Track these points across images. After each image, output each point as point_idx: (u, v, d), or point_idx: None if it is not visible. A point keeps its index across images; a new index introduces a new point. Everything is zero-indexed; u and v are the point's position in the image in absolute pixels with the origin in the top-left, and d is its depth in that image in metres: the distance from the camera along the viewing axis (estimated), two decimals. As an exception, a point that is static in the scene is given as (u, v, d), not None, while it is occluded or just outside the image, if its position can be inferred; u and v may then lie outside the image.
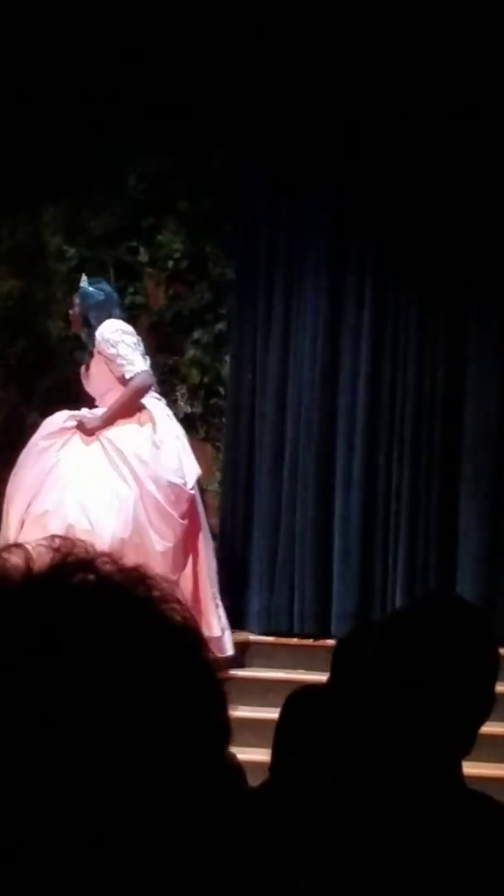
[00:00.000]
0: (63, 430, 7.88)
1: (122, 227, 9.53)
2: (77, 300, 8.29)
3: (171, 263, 9.32)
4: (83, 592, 0.93)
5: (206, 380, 9.26)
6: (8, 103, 9.09)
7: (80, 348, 9.49)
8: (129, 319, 9.41)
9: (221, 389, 9.28)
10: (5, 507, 7.76)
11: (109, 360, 7.98)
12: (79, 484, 7.54)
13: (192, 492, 7.81)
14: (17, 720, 0.88)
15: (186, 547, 7.74)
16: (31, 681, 0.89)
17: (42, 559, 0.94)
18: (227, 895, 0.90)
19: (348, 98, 8.58)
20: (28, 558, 0.94)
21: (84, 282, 8.35)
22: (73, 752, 0.89)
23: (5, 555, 0.95)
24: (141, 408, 7.94)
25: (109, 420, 7.84)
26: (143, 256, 9.44)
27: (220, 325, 9.29)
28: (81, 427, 7.84)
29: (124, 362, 7.96)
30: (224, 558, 8.73)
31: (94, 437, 7.80)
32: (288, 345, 8.91)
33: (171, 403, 9.10)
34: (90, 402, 8.22)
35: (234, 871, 0.90)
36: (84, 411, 8.07)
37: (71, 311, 8.38)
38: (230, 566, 8.77)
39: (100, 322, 8.11)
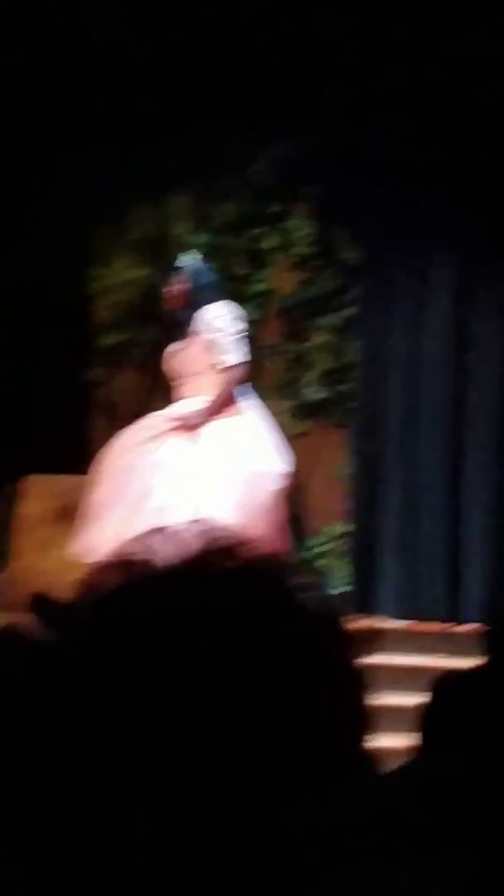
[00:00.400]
0: (163, 432, 7.72)
1: (249, 214, 9.53)
2: (186, 276, 8.04)
3: (298, 249, 9.29)
4: (231, 578, 0.93)
5: (335, 365, 9.22)
6: (134, 91, 9.12)
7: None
8: (257, 307, 9.44)
9: (350, 375, 9.23)
10: (98, 512, 7.57)
11: (211, 345, 7.82)
12: (196, 479, 7.48)
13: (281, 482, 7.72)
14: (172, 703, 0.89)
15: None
16: (180, 664, 0.90)
17: (186, 548, 0.94)
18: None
19: (482, 83, 8.48)
20: (174, 547, 0.94)
21: (194, 259, 8.15)
22: (213, 735, 0.90)
23: (151, 543, 0.95)
24: (235, 399, 7.87)
25: (212, 412, 7.72)
26: (270, 243, 9.42)
27: (349, 311, 9.24)
28: (185, 426, 7.70)
29: (227, 350, 7.82)
30: (356, 544, 8.70)
31: (196, 431, 7.69)
32: (418, 329, 8.85)
33: (300, 390, 9.08)
34: (161, 385, 8.07)
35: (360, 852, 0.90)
36: (178, 410, 7.84)
37: (173, 287, 8.02)
38: (362, 552, 8.75)
39: (207, 303, 7.93)
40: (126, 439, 7.73)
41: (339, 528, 8.84)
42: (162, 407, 8.52)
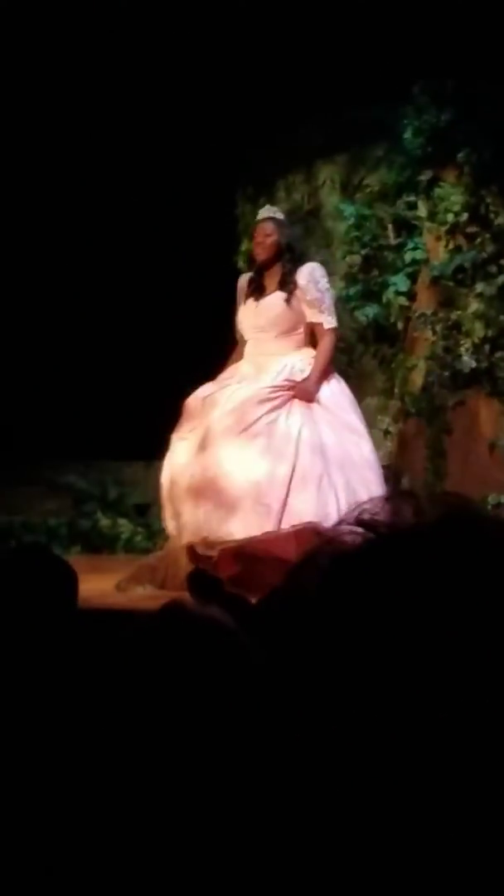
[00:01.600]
0: (285, 401, 7.25)
1: (400, 183, 9.40)
2: (278, 227, 7.50)
3: (450, 217, 9.13)
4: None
5: (490, 333, 9.05)
6: (281, 62, 9.06)
7: (359, 308, 9.44)
8: (409, 276, 9.31)
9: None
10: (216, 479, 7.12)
11: (311, 303, 7.37)
12: (342, 459, 7.24)
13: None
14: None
15: None
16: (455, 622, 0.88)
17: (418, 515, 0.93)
18: None
19: None
20: (416, 510, 0.93)
21: (276, 211, 7.73)
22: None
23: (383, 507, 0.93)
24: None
25: (321, 379, 7.33)
26: (422, 211, 9.28)
27: (503, 278, 9.06)
28: (301, 395, 7.24)
29: (327, 311, 7.44)
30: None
31: (312, 402, 7.28)
32: None
33: (456, 359, 8.94)
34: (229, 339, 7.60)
35: None
36: (285, 371, 7.33)
37: (265, 237, 7.46)
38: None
39: (298, 259, 7.52)
40: (243, 405, 7.18)
41: (498, 497, 8.68)
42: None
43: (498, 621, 0.88)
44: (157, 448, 7.65)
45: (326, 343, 7.40)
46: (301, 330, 7.44)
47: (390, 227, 9.38)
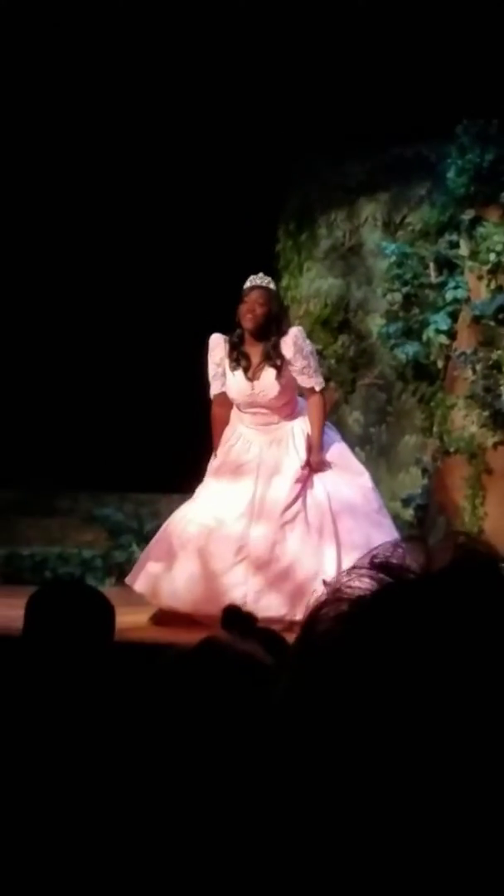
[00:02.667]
0: (304, 476, 7.41)
1: (443, 221, 9.41)
2: (266, 297, 7.45)
3: (492, 256, 9.12)
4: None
5: (531, 373, 9.03)
6: (323, 99, 9.09)
7: (399, 345, 9.43)
8: (449, 315, 9.30)
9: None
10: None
11: (301, 371, 7.41)
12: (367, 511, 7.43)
13: None
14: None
15: None
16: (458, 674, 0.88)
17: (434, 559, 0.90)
18: None
19: None
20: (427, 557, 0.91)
21: (268, 281, 7.62)
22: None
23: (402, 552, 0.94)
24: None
25: (319, 444, 7.47)
26: (464, 250, 9.28)
27: (544, 318, 9.04)
28: (317, 468, 7.41)
29: (315, 373, 7.49)
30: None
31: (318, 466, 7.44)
32: None
33: (496, 398, 8.91)
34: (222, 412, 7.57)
35: None
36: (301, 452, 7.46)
37: (257, 307, 7.40)
38: None
39: (283, 326, 7.53)
40: (293, 490, 7.36)
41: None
42: (355, 419, 8.36)
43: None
44: (192, 481, 7.66)
45: (319, 405, 7.49)
46: (293, 396, 7.54)
47: (432, 265, 9.38)
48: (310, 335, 9.75)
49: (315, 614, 0.93)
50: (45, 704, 2.53)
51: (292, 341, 7.41)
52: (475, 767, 0.86)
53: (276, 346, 7.38)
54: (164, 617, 7.52)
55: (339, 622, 0.91)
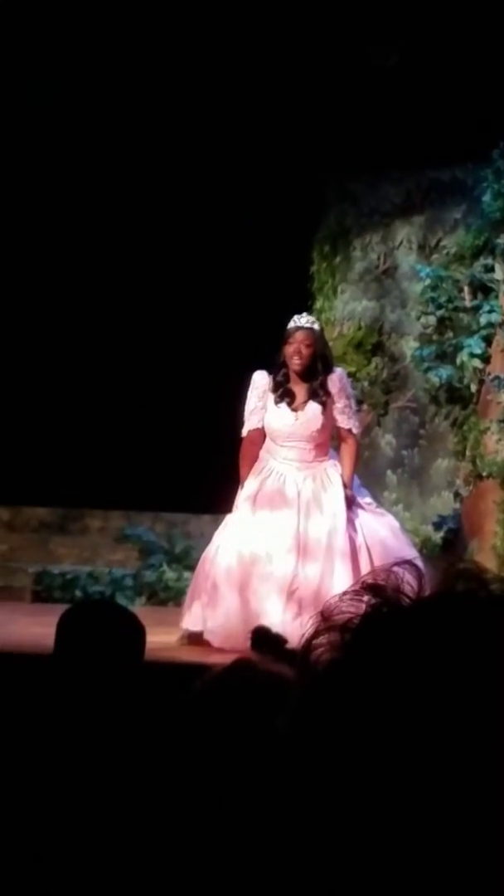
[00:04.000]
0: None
1: (478, 245, 9.40)
2: (315, 338, 7.51)
3: (527, 280, 9.11)
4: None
5: None
6: (361, 123, 9.11)
7: (433, 369, 9.42)
8: (483, 339, 9.29)
9: None
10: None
11: (342, 410, 7.50)
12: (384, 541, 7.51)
13: None
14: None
15: None
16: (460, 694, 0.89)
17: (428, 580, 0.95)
18: None
19: None
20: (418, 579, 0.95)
21: (312, 321, 7.63)
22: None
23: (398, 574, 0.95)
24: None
25: (352, 483, 7.57)
26: (499, 274, 9.27)
27: None
28: (349, 504, 7.50)
29: (354, 416, 7.64)
30: None
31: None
32: None
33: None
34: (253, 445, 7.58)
35: None
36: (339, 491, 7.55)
37: (304, 348, 7.43)
38: None
39: (328, 366, 7.57)
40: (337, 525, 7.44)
41: None
42: (388, 441, 8.33)
43: (490, 699, 0.89)
44: (224, 502, 7.66)
45: (354, 446, 7.60)
46: (329, 435, 7.61)
47: (466, 289, 9.37)
48: (343, 357, 9.79)
49: (309, 643, 0.94)
50: (75, 723, 2.54)
51: (338, 379, 7.54)
52: (465, 777, 0.87)
53: (324, 384, 7.47)
54: (194, 637, 7.52)
55: (331, 649, 0.92)
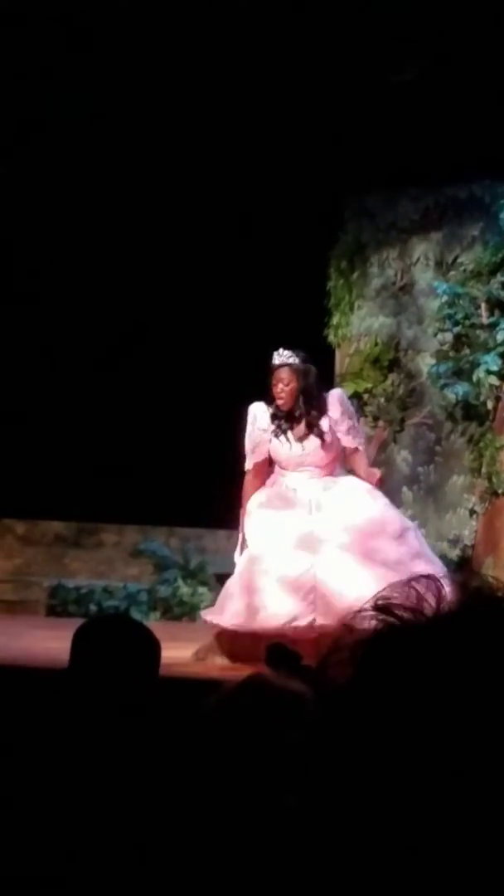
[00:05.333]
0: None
1: (495, 262, 9.39)
2: (292, 375, 7.38)
3: (544, 297, 9.11)
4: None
5: None
6: (377, 139, 9.12)
7: (449, 385, 9.41)
8: (501, 355, 9.28)
9: None
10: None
11: (347, 431, 7.49)
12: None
13: None
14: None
15: None
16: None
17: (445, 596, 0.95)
18: None
19: None
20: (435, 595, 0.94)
21: (290, 356, 7.44)
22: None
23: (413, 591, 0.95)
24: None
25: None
26: (516, 291, 9.26)
27: None
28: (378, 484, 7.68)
29: (358, 433, 7.66)
30: None
31: None
32: None
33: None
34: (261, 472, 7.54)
35: None
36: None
37: (284, 386, 7.39)
38: None
39: (319, 390, 7.52)
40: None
41: None
42: (403, 458, 8.33)
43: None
44: (239, 518, 7.66)
45: (364, 459, 7.63)
46: (338, 454, 7.58)
47: (483, 305, 9.36)
48: (360, 374, 9.79)
49: (326, 659, 0.94)
50: (90, 738, 2.54)
51: (338, 401, 7.50)
52: (479, 793, 0.87)
53: (318, 417, 7.41)
54: (208, 653, 7.51)
55: (348, 666, 0.92)
